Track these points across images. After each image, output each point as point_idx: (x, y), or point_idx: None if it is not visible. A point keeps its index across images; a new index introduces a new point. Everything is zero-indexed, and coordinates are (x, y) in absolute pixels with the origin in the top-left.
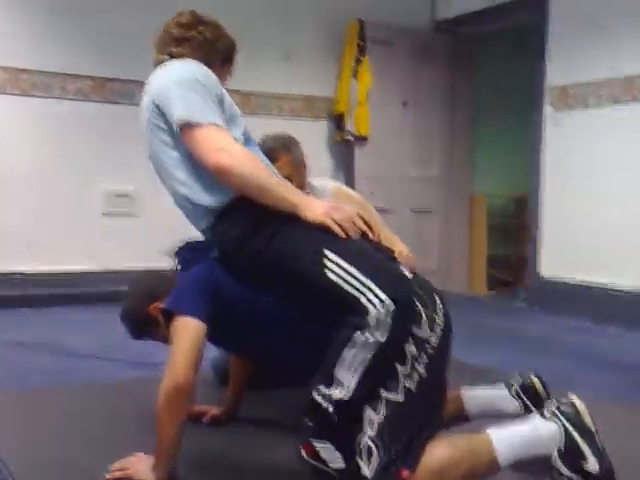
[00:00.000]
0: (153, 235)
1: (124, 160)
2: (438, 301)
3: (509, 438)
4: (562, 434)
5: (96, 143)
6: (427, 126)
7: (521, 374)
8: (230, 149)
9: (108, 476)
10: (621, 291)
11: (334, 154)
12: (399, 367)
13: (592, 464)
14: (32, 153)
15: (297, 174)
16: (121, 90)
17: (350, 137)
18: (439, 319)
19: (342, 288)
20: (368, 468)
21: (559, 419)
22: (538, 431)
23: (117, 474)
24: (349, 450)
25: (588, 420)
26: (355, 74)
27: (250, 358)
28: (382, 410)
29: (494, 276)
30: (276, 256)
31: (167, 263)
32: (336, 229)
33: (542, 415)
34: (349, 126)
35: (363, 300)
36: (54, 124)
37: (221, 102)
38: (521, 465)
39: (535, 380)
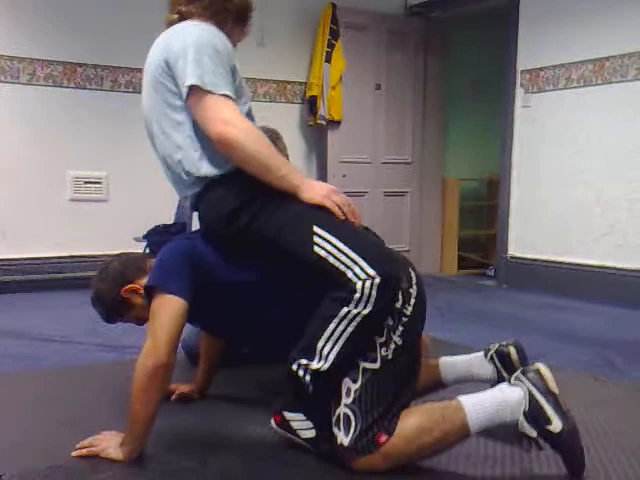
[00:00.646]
0: (122, 221)
1: (94, 146)
2: (413, 275)
3: (478, 404)
4: (527, 397)
5: (66, 129)
6: (400, 110)
7: (501, 342)
8: (237, 122)
9: (74, 453)
10: (588, 269)
11: (307, 138)
12: (377, 338)
13: (556, 425)
14: (0, 139)
15: None
16: (92, 76)
17: (323, 121)
18: (413, 291)
19: (330, 263)
20: (346, 436)
21: (523, 383)
22: (506, 397)
23: (84, 452)
24: (323, 421)
25: (552, 384)
26: (328, 58)
27: (226, 338)
28: (360, 379)
29: (465, 257)
30: (265, 231)
31: (136, 248)
32: (335, 211)
33: (508, 382)
34: (322, 110)
35: (350, 274)
36: (23, 110)
37: (233, 73)
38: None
39: (512, 348)
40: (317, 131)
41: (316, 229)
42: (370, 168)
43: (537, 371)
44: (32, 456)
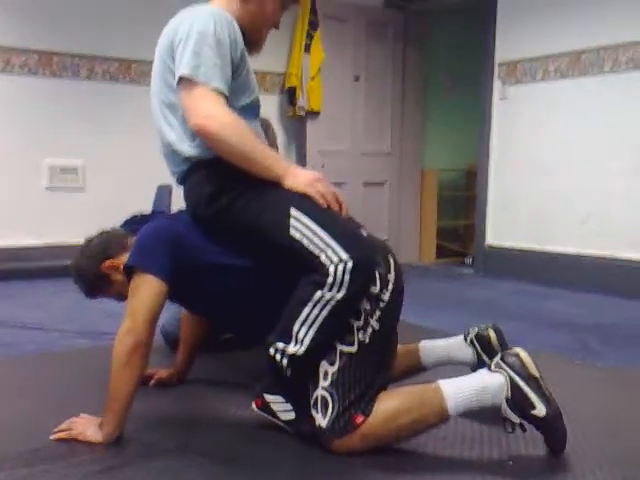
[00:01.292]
0: (99, 209)
1: (70, 135)
2: (392, 261)
3: (457, 388)
4: (508, 384)
5: (42, 118)
6: (379, 101)
7: (480, 325)
8: (218, 116)
9: (53, 437)
10: (566, 257)
11: (286, 129)
12: (354, 322)
13: (539, 409)
14: None
15: None
16: (68, 65)
17: (302, 112)
18: (391, 277)
19: (304, 246)
20: (324, 418)
21: (504, 370)
22: (486, 383)
23: (62, 434)
24: (301, 403)
25: (532, 368)
26: (307, 49)
27: (207, 316)
28: (337, 362)
29: (443, 246)
30: (243, 213)
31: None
32: (318, 198)
33: (489, 368)
34: (301, 101)
35: (323, 258)
36: None
37: (237, 66)
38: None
39: (491, 332)
40: (296, 122)
41: (292, 212)
42: (349, 158)
43: (517, 356)
44: (11, 440)
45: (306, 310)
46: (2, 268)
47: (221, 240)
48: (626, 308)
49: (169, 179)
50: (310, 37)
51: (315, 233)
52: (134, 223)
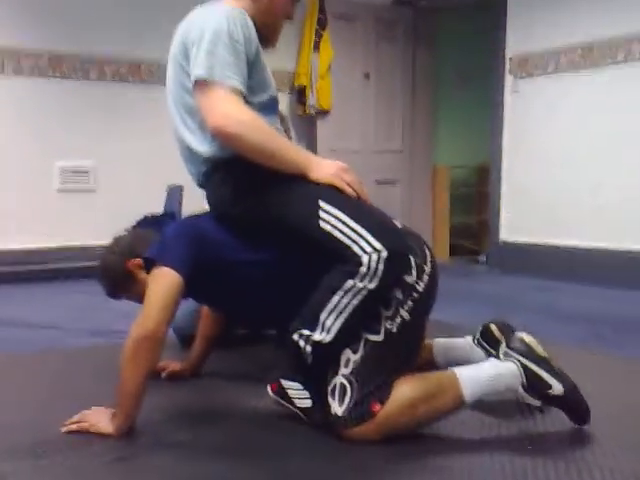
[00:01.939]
0: (110, 211)
1: (81, 136)
2: (428, 252)
3: (473, 376)
4: (521, 369)
5: (53, 120)
6: (389, 98)
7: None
8: (237, 115)
9: (64, 429)
10: (580, 251)
11: (296, 127)
12: (383, 310)
13: (556, 388)
14: None
15: None
16: (77, 66)
17: (312, 110)
18: (427, 268)
19: (335, 237)
20: (340, 406)
21: (513, 356)
22: (499, 371)
23: (73, 427)
24: (320, 391)
25: (540, 349)
26: (316, 47)
27: (231, 312)
28: (360, 350)
29: (457, 243)
30: (271, 210)
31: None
32: (346, 189)
33: (498, 358)
34: (311, 99)
35: (355, 248)
36: (9, 101)
37: (253, 63)
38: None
39: (492, 326)
40: (306, 120)
41: (321, 204)
42: (360, 157)
43: (521, 340)
44: (22, 432)
45: (335, 298)
46: (14, 270)
47: (248, 237)
48: None
49: (180, 180)
50: (319, 35)
51: (346, 224)
52: (146, 224)
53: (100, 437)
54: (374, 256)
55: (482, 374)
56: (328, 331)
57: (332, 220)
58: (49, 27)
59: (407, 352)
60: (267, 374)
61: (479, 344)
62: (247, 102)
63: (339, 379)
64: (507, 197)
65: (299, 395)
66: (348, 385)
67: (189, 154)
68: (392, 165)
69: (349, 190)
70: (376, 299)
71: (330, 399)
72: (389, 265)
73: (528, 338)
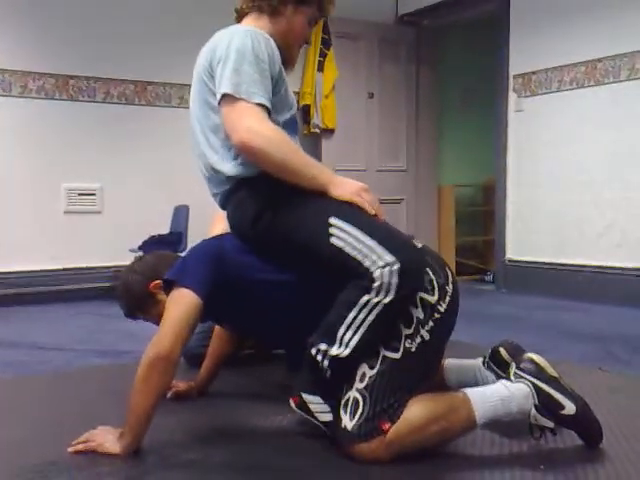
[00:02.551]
0: (117, 232)
1: (87, 158)
2: (449, 274)
3: (485, 397)
4: (532, 390)
5: (59, 141)
6: (393, 117)
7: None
8: (262, 130)
9: (71, 449)
10: (587, 269)
11: (301, 146)
12: (403, 329)
13: (569, 407)
14: None
15: None
16: (84, 88)
17: (317, 129)
18: (449, 289)
19: (347, 253)
20: (351, 420)
21: (525, 377)
22: (511, 392)
23: (80, 447)
24: (339, 406)
25: (550, 370)
26: (320, 67)
27: (245, 332)
28: (377, 366)
29: (463, 263)
30: (286, 229)
31: (132, 259)
32: (366, 207)
33: (509, 379)
34: (316, 119)
35: (367, 263)
36: (16, 123)
37: (276, 82)
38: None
39: (501, 349)
40: (311, 139)
41: (332, 220)
42: (365, 176)
43: (531, 361)
44: (28, 453)
45: (352, 314)
46: (21, 292)
47: (268, 257)
48: None
49: (186, 200)
50: (323, 55)
51: (358, 239)
52: (153, 244)
53: (107, 457)
54: (386, 270)
55: (493, 395)
56: (346, 346)
57: (343, 236)
58: (55, 49)
59: (424, 372)
60: (275, 393)
61: (488, 367)
62: (271, 120)
63: (353, 393)
64: (513, 216)
65: (321, 409)
66: (361, 400)
67: (212, 173)
68: (397, 184)
69: (369, 209)
70: (393, 313)
71: (342, 412)
72: (403, 278)
73: (538, 358)
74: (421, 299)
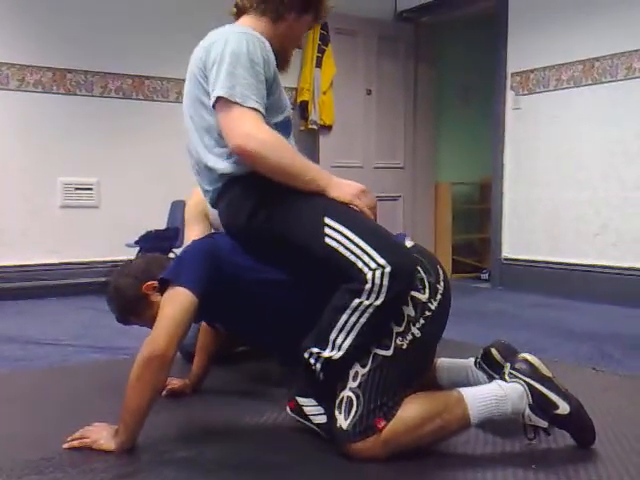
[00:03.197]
0: (114, 227)
1: (84, 152)
2: (441, 272)
3: (479, 396)
4: (527, 390)
5: (56, 135)
6: (391, 114)
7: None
8: (258, 134)
9: (66, 445)
10: (583, 268)
11: (299, 143)
12: (394, 327)
13: (563, 407)
14: None
15: None
16: (81, 82)
17: (314, 126)
18: (440, 287)
19: (340, 253)
20: (345, 420)
21: (519, 377)
22: (505, 392)
23: (75, 443)
24: (333, 408)
25: (544, 369)
26: (319, 63)
27: (238, 333)
28: (369, 364)
29: (459, 261)
30: (280, 227)
31: (128, 254)
32: (365, 211)
33: (503, 379)
34: (313, 115)
35: (360, 264)
36: (13, 116)
37: (271, 85)
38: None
39: (493, 350)
40: (309, 136)
41: (327, 220)
42: (362, 173)
43: (525, 361)
44: (24, 449)
45: (344, 317)
46: (17, 286)
47: (261, 255)
48: None
49: (183, 195)
50: (322, 51)
51: (351, 241)
52: (149, 239)
53: (102, 454)
54: (378, 272)
55: (488, 395)
56: (339, 348)
57: (337, 236)
58: (53, 43)
59: (416, 370)
60: (269, 390)
61: (480, 367)
62: (265, 122)
63: (347, 392)
64: (509, 214)
65: (315, 411)
66: (355, 398)
67: (205, 171)
68: (394, 181)
69: (367, 212)
70: (385, 315)
71: (337, 412)
72: (393, 280)
73: (532, 358)
74: (412, 297)
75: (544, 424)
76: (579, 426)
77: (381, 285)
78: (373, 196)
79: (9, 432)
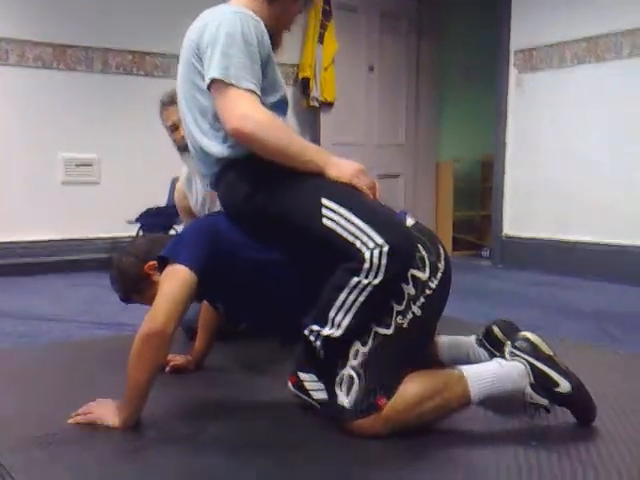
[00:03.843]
0: (115, 203)
1: (85, 128)
2: (442, 250)
3: (480, 374)
4: (528, 368)
5: (57, 111)
6: (393, 92)
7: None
8: (254, 116)
9: (71, 421)
10: (585, 246)
11: (300, 120)
12: (395, 305)
13: (564, 386)
14: None
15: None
16: (82, 58)
17: (316, 103)
18: (441, 266)
19: (338, 234)
20: (347, 397)
21: (520, 356)
22: (506, 370)
23: (79, 419)
24: (332, 384)
25: (545, 348)
26: (320, 39)
27: (238, 310)
28: (370, 342)
29: (460, 238)
30: (278, 208)
31: (129, 230)
32: (364, 190)
33: (504, 358)
34: (315, 92)
35: (358, 244)
36: (12, 92)
37: (266, 64)
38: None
39: (495, 327)
40: (310, 113)
41: (324, 201)
42: (363, 150)
43: (527, 339)
44: (29, 425)
45: (342, 296)
46: (19, 262)
47: (260, 236)
48: None
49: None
50: (324, 27)
51: (349, 220)
52: (149, 216)
53: (105, 430)
54: (376, 251)
55: (489, 373)
56: (338, 326)
57: (334, 216)
58: (53, 18)
59: (416, 348)
60: (272, 367)
61: (481, 345)
62: (261, 103)
63: (347, 370)
64: (510, 191)
65: (315, 387)
66: (356, 377)
67: (201, 155)
68: (395, 159)
69: (366, 191)
70: (384, 293)
71: (337, 390)
72: (392, 259)
73: (533, 337)
74: (412, 276)
75: (544, 402)
76: (580, 404)
77: (379, 264)
78: (372, 177)
79: (13, 408)
